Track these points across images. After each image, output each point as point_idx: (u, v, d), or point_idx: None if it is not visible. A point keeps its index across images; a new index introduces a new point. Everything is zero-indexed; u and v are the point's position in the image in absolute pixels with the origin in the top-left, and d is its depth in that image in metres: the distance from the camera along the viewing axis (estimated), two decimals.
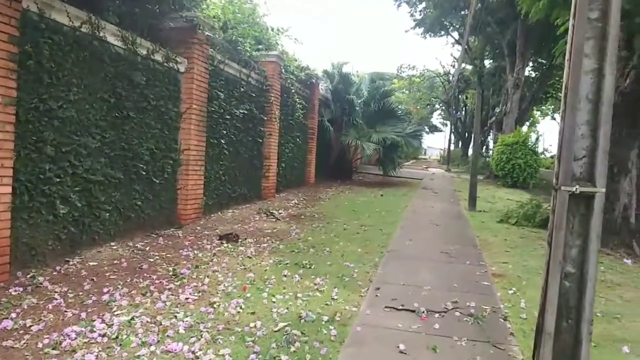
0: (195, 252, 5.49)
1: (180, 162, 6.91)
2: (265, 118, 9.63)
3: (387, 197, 12.01)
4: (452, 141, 40.03)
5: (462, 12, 20.93)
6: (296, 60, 11.69)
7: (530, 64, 21.56)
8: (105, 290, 4.01)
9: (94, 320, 3.37)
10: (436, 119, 51.51)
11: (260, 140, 9.58)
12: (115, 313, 3.56)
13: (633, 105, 6.09)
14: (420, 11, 23.06)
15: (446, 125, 46.85)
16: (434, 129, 51.30)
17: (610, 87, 2.52)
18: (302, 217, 8.12)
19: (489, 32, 20.10)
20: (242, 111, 8.56)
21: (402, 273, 4.93)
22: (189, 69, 6.92)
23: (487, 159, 24.17)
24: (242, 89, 8.60)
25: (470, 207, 10.31)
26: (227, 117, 8.10)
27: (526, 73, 19.98)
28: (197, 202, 7.24)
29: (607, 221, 5.73)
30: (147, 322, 3.42)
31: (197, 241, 6.02)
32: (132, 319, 3.45)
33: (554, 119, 53.43)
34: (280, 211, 8.47)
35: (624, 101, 6.06)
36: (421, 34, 23.76)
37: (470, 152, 31.68)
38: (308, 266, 4.99)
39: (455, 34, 25.33)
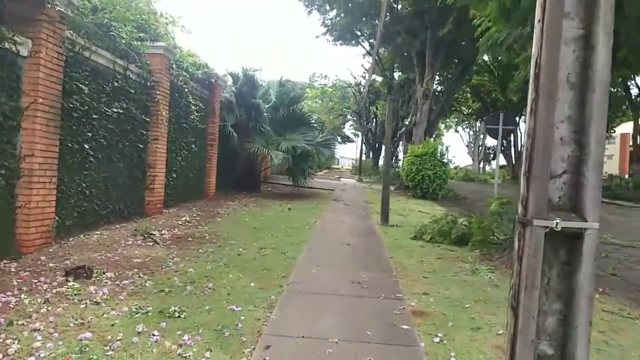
0: (23, 296, 3.94)
1: (20, 172, 5.26)
2: (149, 120, 8.09)
3: (295, 210, 10.96)
4: (364, 151, 40.46)
5: (373, 22, 20.83)
6: (192, 56, 10.26)
7: (437, 77, 21.99)
8: None
9: None
10: (348, 129, 52.24)
11: (142, 146, 8.01)
12: None
13: None
14: (331, 19, 22.73)
15: (358, 135, 47.52)
16: (346, 139, 51.91)
17: (605, 65, 1.61)
18: (190, 239, 6.72)
19: (399, 42, 20.12)
20: (116, 110, 7.00)
21: (303, 318, 3.83)
22: (34, 52, 5.33)
23: (397, 169, 24.28)
24: (116, 84, 7.03)
25: (383, 222, 9.62)
26: (95, 116, 6.51)
27: (434, 86, 20.26)
28: (46, 223, 5.59)
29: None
30: None
31: (32, 278, 4.44)
32: None
33: (457, 131, 56.75)
34: (163, 232, 6.99)
35: None
36: (332, 40, 23.41)
37: (381, 162, 31.94)
38: (177, 315, 3.68)
39: (366, 44, 25.37)
